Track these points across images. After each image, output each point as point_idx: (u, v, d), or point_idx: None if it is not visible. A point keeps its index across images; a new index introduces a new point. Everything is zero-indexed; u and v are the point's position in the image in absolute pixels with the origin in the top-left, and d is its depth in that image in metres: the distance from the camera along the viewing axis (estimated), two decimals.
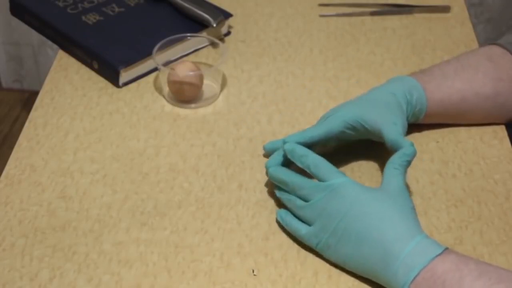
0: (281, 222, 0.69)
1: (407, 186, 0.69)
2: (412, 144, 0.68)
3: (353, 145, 0.79)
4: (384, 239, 0.61)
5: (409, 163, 0.67)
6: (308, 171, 0.68)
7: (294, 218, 0.68)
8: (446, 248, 0.61)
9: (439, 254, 0.60)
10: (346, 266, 0.65)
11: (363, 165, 0.77)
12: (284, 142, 0.71)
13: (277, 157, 0.72)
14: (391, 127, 0.71)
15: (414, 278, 0.59)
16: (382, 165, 0.77)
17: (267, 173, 0.72)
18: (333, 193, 0.65)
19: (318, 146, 0.74)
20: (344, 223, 0.63)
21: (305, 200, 0.67)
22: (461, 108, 0.79)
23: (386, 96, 0.75)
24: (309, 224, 0.67)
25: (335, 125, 0.73)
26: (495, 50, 0.81)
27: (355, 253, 0.63)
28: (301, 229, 0.67)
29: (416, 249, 0.60)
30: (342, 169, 0.77)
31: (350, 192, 0.64)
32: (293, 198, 0.68)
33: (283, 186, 0.70)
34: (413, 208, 0.65)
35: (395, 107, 0.74)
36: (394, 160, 0.67)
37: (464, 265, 0.59)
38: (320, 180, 0.67)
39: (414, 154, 0.68)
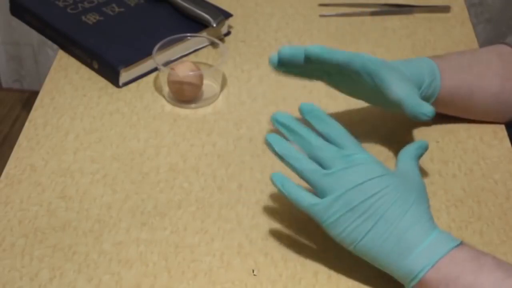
0: (279, 188, 0.63)
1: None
2: (431, 112, 0.69)
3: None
4: (406, 227, 0.60)
5: (422, 155, 0.70)
6: (326, 136, 0.63)
7: (297, 185, 0.63)
8: (462, 241, 0.61)
9: (458, 245, 0.60)
10: (353, 246, 0.61)
11: None
12: (306, 54, 0.68)
13: (296, 50, 0.70)
14: (409, 93, 0.71)
15: (433, 265, 0.59)
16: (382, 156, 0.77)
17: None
18: (362, 168, 0.61)
19: (322, 70, 0.72)
20: (368, 203, 0.60)
21: (323, 167, 0.62)
22: (467, 101, 0.80)
23: (407, 70, 0.74)
24: (318, 193, 0.62)
25: (357, 61, 0.70)
26: (505, 50, 0.82)
27: (372, 234, 0.60)
28: (309, 199, 0.61)
29: (436, 240, 0.60)
30: None
31: (378, 172, 0.61)
32: (304, 159, 0.62)
33: (292, 138, 0.63)
34: (429, 203, 0.64)
35: (413, 82, 0.74)
36: (411, 151, 0.68)
37: (482, 255, 0.59)
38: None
39: (427, 147, 0.70)
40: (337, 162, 0.62)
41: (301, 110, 0.65)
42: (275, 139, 0.64)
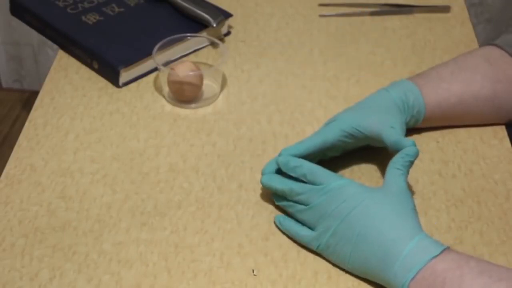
0: (279, 227, 0.70)
1: (409, 186, 0.70)
2: (414, 144, 0.68)
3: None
4: (383, 240, 0.62)
5: (411, 163, 0.67)
6: (304, 179, 0.68)
7: (293, 221, 0.69)
8: (447, 247, 0.61)
9: (439, 254, 0.60)
10: (346, 266, 0.65)
11: (363, 167, 0.77)
12: (279, 155, 0.71)
13: (273, 164, 0.71)
14: (389, 130, 0.71)
15: (414, 277, 0.59)
16: (381, 166, 0.77)
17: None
18: (333, 195, 0.65)
19: (316, 157, 0.74)
20: (344, 225, 0.64)
21: (305, 204, 0.67)
22: (460, 110, 0.79)
23: (383, 100, 0.76)
24: (310, 227, 0.67)
25: (331, 134, 0.73)
26: (493, 52, 0.81)
27: (355, 253, 0.63)
28: (301, 232, 0.67)
29: (415, 249, 0.60)
30: (342, 171, 0.77)
31: (350, 194, 0.64)
32: (292, 204, 0.68)
33: (280, 193, 0.70)
34: (414, 209, 0.65)
35: (393, 110, 0.74)
36: (396, 161, 0.67)
37: (464, 263, 0.59)
38: (318, 185, 0.67)
39: (416, 155, 0.67)
40: (313, 197, 0.66)
41: (279, 165, 0.70)
42: (275, 197, 0.72)
